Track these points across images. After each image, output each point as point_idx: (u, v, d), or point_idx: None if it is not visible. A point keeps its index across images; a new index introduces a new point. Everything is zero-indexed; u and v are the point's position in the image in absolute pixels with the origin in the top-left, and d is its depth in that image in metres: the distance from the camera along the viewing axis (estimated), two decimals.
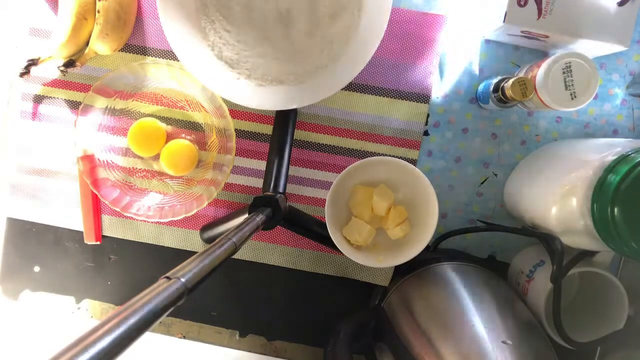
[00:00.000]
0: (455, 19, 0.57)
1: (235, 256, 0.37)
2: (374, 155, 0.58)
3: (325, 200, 0.51)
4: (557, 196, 0.47)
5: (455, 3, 0.57)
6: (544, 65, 0.48)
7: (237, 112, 0.58)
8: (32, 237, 0.61)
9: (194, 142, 0.58)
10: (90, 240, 0.59)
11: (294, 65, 0.53)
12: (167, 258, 0.60)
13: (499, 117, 0.58)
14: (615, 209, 0.40)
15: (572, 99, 0.48)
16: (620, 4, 0.49)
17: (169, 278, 0.27)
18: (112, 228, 0.60)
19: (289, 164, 0.55)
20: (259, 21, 0.53)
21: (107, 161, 0.55)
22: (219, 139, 0.57)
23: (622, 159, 0.42)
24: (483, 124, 0.59)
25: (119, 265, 0.61)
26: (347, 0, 0.52)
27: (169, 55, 0.57)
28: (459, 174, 0.59)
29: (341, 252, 0.50)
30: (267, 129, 0.58)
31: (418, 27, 0.56)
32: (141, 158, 0.57)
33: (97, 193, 0.52)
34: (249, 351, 0.62)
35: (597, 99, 0.57)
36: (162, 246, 0.60)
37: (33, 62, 0.52)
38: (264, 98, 0.52)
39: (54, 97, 0.58)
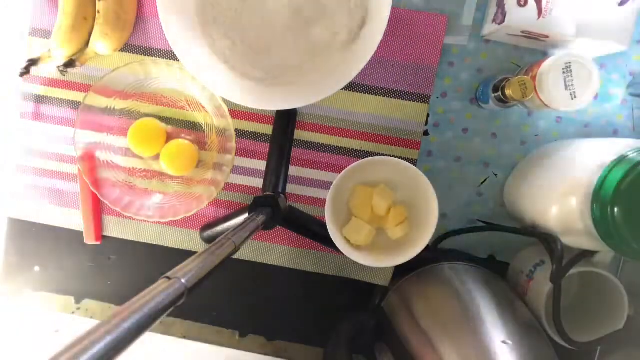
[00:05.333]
0: (455, 18, 0.57)
1: (235, 256, 0.37)
2: (374, 155, 0.58)
3: (325, 200, 0.51)
4: (557, 196, 0.47)
5: (455, 3, 0.57)
6: (544, 65, 0.48)
7: (237, 112, 0.58)
8: (32, 237, 0.61)
9: (194, 142, 0.58)
10: (90, 240, 0.59)
11: (294, 65, 0.53)
12: (167, 258, 0.60)
13: (499, 117, 0.58)
14: (615, 209, 0.40)
15: (572, 99, 0.48)
16: (620, 4, 0.49)
17: (169, 278, 0.27)
18: (112, 228, 0.60)
19: (289, 164, 0.55)
20: (257, 21, 0.53)
21: (107, 161, 0.55)
22: (218, 139, 0.57)
23: (622, 159, 0.42)
24: (483, 124, 0.59)
25: (119, 265, 0.61)
26: (347, 1, 0.52)
27: (170, 55, 0.57)
28: (459, 174, 0.59)
29: (341, 252, 0.50)
30: (267, 129, 0.58)
31: (418, 27, 0.56)
32: (141, 158, 0.57)
33: (97, 193, 0.52)
34: (249, 351, 0.62)
35: (597, 99, 0.57)
36: (162, 246, 0.60)
37: (33, 62, 0.52)
38: (264, 98, 0.52)
39: (54, 97, 0.58)
